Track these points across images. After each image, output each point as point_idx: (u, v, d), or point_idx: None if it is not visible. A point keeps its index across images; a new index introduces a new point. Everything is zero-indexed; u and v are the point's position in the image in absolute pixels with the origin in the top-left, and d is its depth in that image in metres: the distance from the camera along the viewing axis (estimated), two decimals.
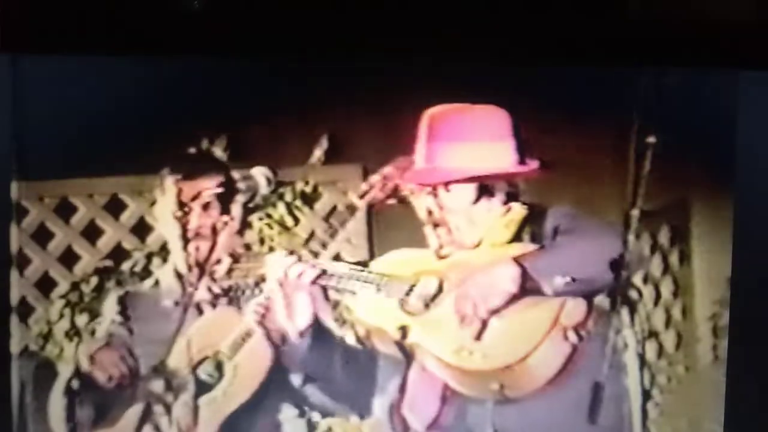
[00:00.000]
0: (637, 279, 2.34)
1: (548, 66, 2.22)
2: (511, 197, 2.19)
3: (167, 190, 2.25)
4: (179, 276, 2.28)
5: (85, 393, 2.23)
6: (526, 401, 2.12)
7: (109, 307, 2.26)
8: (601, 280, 2.15)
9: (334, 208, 2.31)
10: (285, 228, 2.29)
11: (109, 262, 2.28)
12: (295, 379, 2.24)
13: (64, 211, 2.27)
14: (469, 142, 2.15)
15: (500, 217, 2.19)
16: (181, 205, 2.25)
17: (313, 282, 2.19)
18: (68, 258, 2.27)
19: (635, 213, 2.28)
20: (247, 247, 2.28)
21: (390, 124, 2.21)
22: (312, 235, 2.31)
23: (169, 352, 2.25)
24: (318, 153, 2.23)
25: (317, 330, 2.22)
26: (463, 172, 2.16)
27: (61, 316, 2.25)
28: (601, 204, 2.26)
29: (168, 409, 2.24)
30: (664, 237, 2.38)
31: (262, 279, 2.25)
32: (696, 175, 2.32)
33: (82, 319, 2.25)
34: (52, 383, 2.23)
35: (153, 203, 2.27)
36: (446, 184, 2.15)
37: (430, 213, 2.18)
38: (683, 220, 2.37)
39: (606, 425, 2.18)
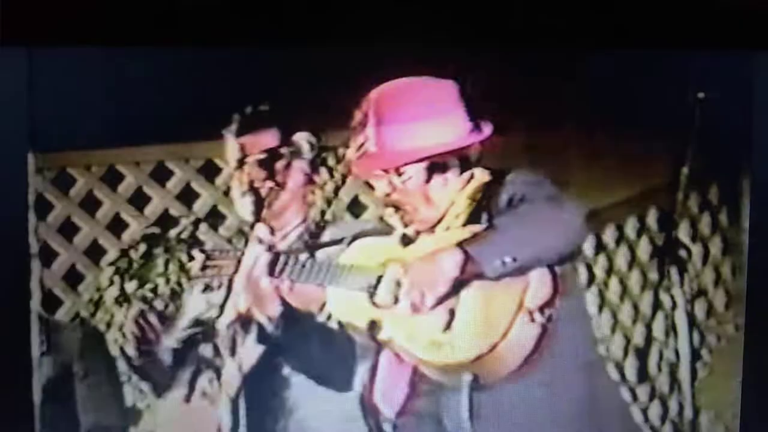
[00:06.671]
0: (686, 237, 2.31)
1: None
2: (464, 167, 2.11)
3: (230, 148, 2.25)
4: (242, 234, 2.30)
5: (135, 355, 2.28)
6: (502, 386, 2.03)
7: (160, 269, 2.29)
8: (547, 256, 2.02)
9: None
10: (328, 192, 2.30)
11: (156, 229, 2.31)
12: None
13: (112, 179, 2.30)
14: (416, 121, 2.07)
15: (460, 190, 2.11)
16: (241, 162, 2.25)
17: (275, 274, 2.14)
18: (116, 225, 2.31)
19: (685, 171, 2.24)
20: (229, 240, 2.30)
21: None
22: (354, 199, 2.31)
23: (221, 312, 2.28)
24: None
25: (290, 317, 2.18)
26: (414, 153, 2.08)
27: (111, 282, 2.29)
28: None
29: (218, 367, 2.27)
30: (713, 196, 2.35)
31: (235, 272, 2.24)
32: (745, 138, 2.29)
33: (131, 286, 2.29)
34: (103, 348, 2.28)
35: (198, 170, 2.29)
36: (397, 168, 2.07)
37: (388, 195, 2.13)
38: (733, 179, 2.33)
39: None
